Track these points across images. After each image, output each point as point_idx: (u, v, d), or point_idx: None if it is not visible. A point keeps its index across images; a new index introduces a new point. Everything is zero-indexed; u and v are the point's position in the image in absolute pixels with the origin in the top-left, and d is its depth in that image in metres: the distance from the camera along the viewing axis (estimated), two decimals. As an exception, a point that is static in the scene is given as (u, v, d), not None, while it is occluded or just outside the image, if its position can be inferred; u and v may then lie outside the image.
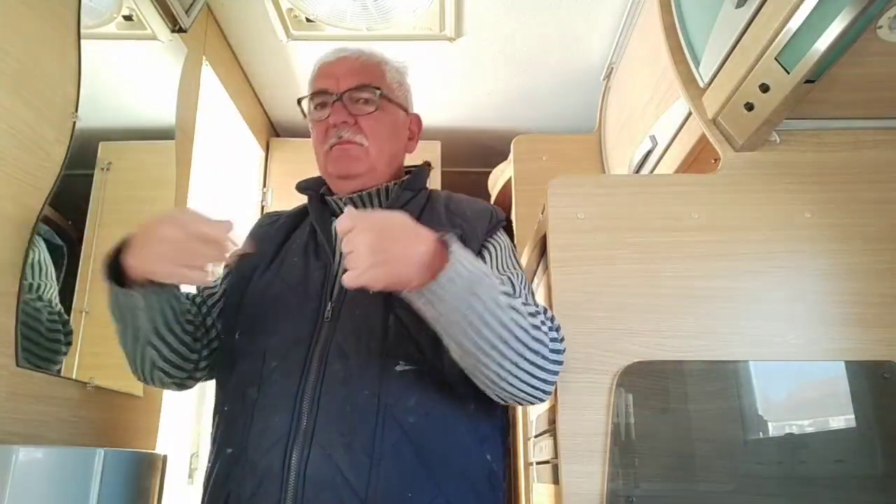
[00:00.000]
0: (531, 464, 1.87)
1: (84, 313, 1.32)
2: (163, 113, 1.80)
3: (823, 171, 1.18)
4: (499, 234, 1.02)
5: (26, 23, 1.11)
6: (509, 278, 0.92)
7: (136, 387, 1.45)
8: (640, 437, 1.04)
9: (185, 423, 2.77)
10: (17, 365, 1.04)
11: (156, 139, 1.77)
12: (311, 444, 0.80)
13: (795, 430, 1.08)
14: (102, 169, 1.61)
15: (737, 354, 1.08)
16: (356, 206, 1.03)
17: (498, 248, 0.99)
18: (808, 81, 1.01)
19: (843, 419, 1.07)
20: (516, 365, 0.78)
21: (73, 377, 1.23)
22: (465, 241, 0.84)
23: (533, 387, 0.82)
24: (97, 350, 1.29)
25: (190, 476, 2.70)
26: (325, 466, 0.79)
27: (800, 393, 1.11)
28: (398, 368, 0.86)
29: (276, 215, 1.14)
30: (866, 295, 1.10)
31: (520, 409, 2.20)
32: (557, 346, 0.85)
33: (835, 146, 1.19)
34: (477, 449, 0.88)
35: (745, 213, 1.15)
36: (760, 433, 1.07)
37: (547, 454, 1.30)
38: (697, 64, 1.27)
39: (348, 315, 0.89)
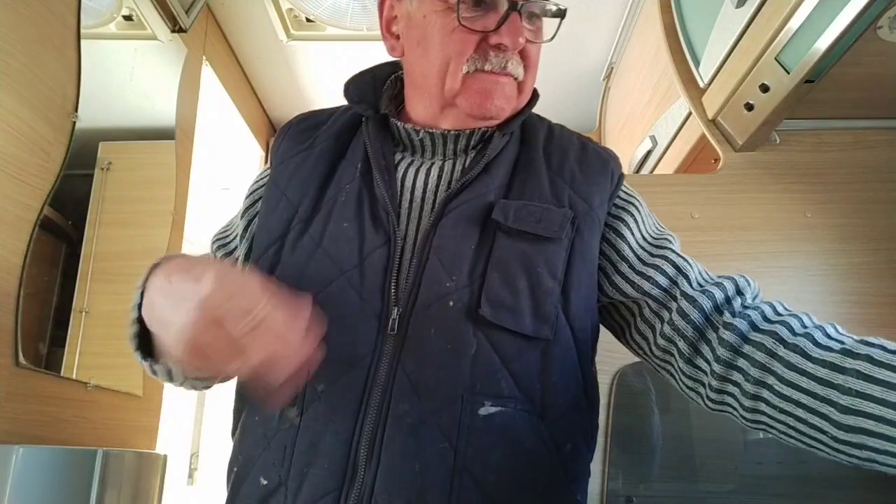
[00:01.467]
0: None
1: (84, 313, 1.32)
2: (163, 113, 1.80)
3: (823, 171, 1.18)
4: (624, 191, 0.77)
5: (26, 23, 1.11)
6: (686, 261, 0.72)
7: (136, 386, 1.45)
8: (640, 437, 1.04)
9: (185, 423, 2.77)
10: (17, 365, 1.04)
11: (156, 139, 1.77)
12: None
13: (795, 430, 1.08)
14: (102, 169, 1.61)
15: (737, 354, 1.08)
16: (436, 148, 0.73)
17: (639, 216, 0.76)
18: (808, 81, 1.01)
19: (843, 419, 1.07)
20: None
21: (73, 377, 1.23)
22: (578, 227, 0.67)
23: None
24: (97, 350, 1.29)
25: (190, 476, 2.70)
26: None
27: (800, 393, 1.11)
28: (482, 412, 0.62)
29: (311, 126, 0.80)
30: (866, 295, 1.10)
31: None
32: None
33: (835, 146, 1.19)
34: (567, 493, 0.68)
35: (745, 213, 1.15)
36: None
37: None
38: (697, 64, 1.27)
39: (420, 330, 0.63)
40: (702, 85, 1.25)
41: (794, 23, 0.96)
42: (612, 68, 2.19)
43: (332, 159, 0.75)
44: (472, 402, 0.62)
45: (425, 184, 0.70)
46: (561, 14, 0.72)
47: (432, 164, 0.72)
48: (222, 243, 0.82)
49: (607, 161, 0.75)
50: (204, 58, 1.94)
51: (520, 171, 0.72)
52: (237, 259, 0.79)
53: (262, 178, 0.80)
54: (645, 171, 1.73)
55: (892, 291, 1.10)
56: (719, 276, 0.70)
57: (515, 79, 0.71)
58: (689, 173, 1.49)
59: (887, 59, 1.01)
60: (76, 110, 1.24)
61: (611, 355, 1.08)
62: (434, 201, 0.69)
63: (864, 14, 0.87)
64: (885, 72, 1.05)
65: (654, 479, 1.04)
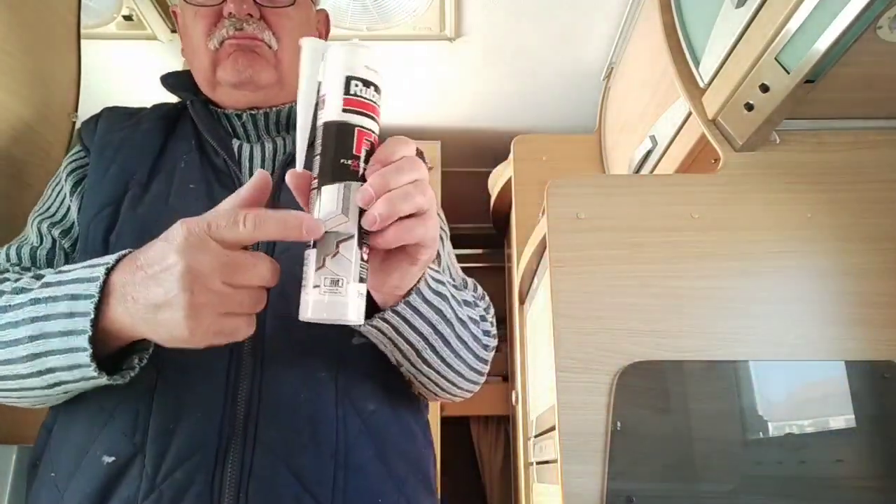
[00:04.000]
0: (531, 464, 1.88)
1: (84, 313, 1.31)
2: (163, 113, 1.80)
3: (823, 171, 1.18)
4: None
5: (26, 23, 1.11)
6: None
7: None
8: (640, 437, 1.04)
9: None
10: (17, 365, 1.04)
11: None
12: (253, 449, 0.57)
13: (795, 430, 1.07)
14: (102, 169, 1.61)
15: (737, 354, 1.08)
16: (256, 130, 0.78)
17: None
18: (808, 81, 1.01)
19: (843, 419, 1.07)
20: (464, 377, 0.68)
21: (73, 377, 1.23)
22: None
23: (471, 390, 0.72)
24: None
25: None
26: (277, 477, 0.57)
27: (800, 393, 1.11)
28: (356, 341, 0.63)
29: (128, 113, 0.81)
30: (866, 295, 1.10)
31: (519, 409, 2.20)
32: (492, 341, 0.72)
33: (835, 146, 1.19)
34: (423, 437, 0.72)
35: (745, 213, 1.15)
36: (760, 433, 1.07)
37: (547, 454, 1.30)
38: (697, 64, 1.27)
39: (290, 267, 0.58)
40: (702, 85, 1.25)
41: (794, 23, 0.96)
42: (612, 68, 2.19)
43: (163, 135, 0.77)
44: (346, 331, 0.61)
45: (262, 155, 0.75)
46: None
47: (261, 143, 0.77)
48: (53, 221, 0.74)
49: None
50: (204, 58, 1.93)
51: None
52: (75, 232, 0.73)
53: (75, 156, 0.78)
54: (645, 171, 1.73)
55: (893, 291, 1.10)
56: None
57: (268, 45, 0.76)
58: (689, 173, 1.49)
59: (887, 59, 1.01)
60: (76, 110, 1.24)
61: (610, 355, 1.08)
62: (273, 168, 0.74)
63: (864, 14, 0.87)
64: (885, 72, 1.05)
65: (654, 479, 1.04)
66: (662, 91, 1.64)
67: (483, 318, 0.71)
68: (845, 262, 1.12)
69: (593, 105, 2.38)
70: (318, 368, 0.63)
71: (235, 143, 0.77)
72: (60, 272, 0.56)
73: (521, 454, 2.14)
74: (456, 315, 0.63)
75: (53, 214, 0.75)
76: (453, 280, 0.72)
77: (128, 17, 1.75)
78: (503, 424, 3.07)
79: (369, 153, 0.48)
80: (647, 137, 1.70)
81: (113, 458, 0.56)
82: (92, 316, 0.50)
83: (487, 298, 0.77)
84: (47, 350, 0.52)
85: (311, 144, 0.49)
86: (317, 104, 0.49)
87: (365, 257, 0.47)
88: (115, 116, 0.81)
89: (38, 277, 0.58)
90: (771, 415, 1.08)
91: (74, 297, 0.51)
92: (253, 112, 0.77)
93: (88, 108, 1.31)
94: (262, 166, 0.73)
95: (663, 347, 1.08)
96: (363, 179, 0.47)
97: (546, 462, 1.46)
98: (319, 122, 0.48)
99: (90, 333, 0.50)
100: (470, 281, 0.79)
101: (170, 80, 0.84)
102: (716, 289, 1.12)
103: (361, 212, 0.46)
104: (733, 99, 1.13)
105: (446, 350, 0.63)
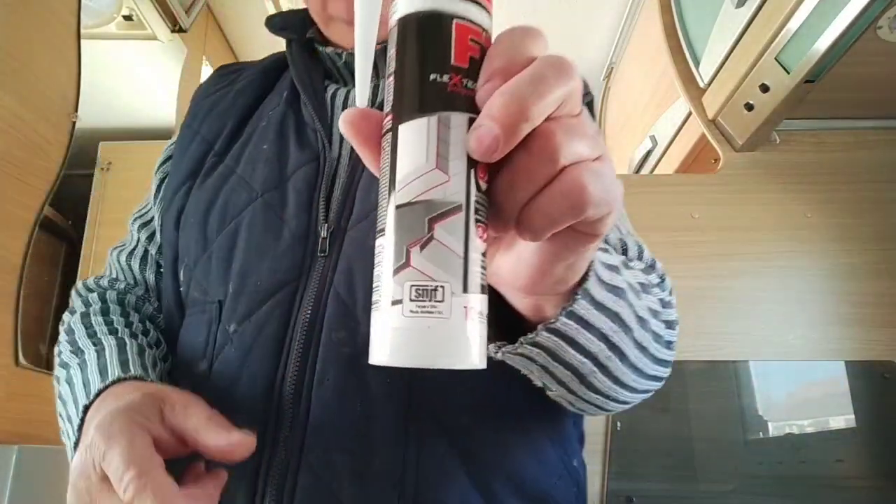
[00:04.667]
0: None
1: (84, 313, 1.31)
2: (163, 113, 1.81)
3: (823, 171, 1.18)
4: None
5: (26, 23, 1.11)
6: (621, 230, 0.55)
7: (136, 387, 1.45)
8: (640, 437, 1.04)
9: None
10: (17, 365, 1.04)
11: (156, 139, 1.77)
12: (297, 470, 0.46)
13: (795, 430, 1.07)
14: (102, 169, 1.61)
15: (737, 354, 1.08)
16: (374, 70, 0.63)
17: None
18: (808, 81, 1.01)
19: (843, 419, 1.07)
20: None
21: (73, 377, 1.23)
22: None
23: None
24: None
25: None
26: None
27: (800, 393, 1.11)
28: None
29: (236, 70, 0.70)
30: (866, 295, 1.10)
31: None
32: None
33: (835, 146, 1.19)
34: (559, 461, 0.53)
35: (745, 213, 1.15)
36: (760, 433, 1.07)
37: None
38: (697, 64, 1.27)
39: (357, 248, 0.51)
40: (702, 85, 1.25)
41: (794, 23, 0.96)
42: (612, 68, 2.19)
43: (257, 93, 0.66)
44: None
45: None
46: None
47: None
48: (143, 221, 0.68)
49: None
50: (204, 58, 1.94)
51: None
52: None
53: (169, 150, 0.70)
54: (645, 171, 1.73)
55: (892, 291, 1.10)
56: None
57: None
58: (689, 173, 1.49)
59: (887, 59, 1.01)
60: (76, 110, 1.24)
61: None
62: None
63: (864, 14, 0.87)
64: (885, 72, 1.05)
65: (654, 479, 1.04)
66: (662, 91, 1.64)
67: (665, 304, 0.48)
68: (845, 262, 1.12)
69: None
70: (385, 376, 0.47)
71: (331, 88, 0.63)
72: (62, 394, 0.52)
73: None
74: (635, 314, 0.42)
75: (145, 214, 0.68)
76: (624, 250, 0.51)
77: (128, 17, 1.75)
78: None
79: (478, 62, 0.27)
80: (647, 137, 1.70)
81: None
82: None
83: (658, 263, 0.52)
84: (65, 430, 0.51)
85: (377, 63, 0.30)
86: None
87: (482, 243, 0.26)
88: (218, 77, 0.70)
89: (77, 353, 0.54)
90: (771, 415, 1.08)
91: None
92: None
93: (88, 107, 1.31)
94: None
95: (663, 347, 1.08)
96: (472, 108, 0.26)
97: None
98: (392, 20, 0.28)
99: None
100: (632, 240, 0.53)
101: (275, 20, 0.69)
102: (716, 289, 1.12)
103: (473, 164, 0.26)
104: (733, 99, 1.13)
105: (622, 367, 0.43)
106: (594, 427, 1.04)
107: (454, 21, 0.27)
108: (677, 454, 1.04)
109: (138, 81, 1.91)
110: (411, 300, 0.25)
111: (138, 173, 1.72)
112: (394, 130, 0.27)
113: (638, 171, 1.78)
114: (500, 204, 0.26)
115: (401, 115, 0.26)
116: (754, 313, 1.10)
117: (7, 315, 1.04)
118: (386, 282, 0.25)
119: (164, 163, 0.68)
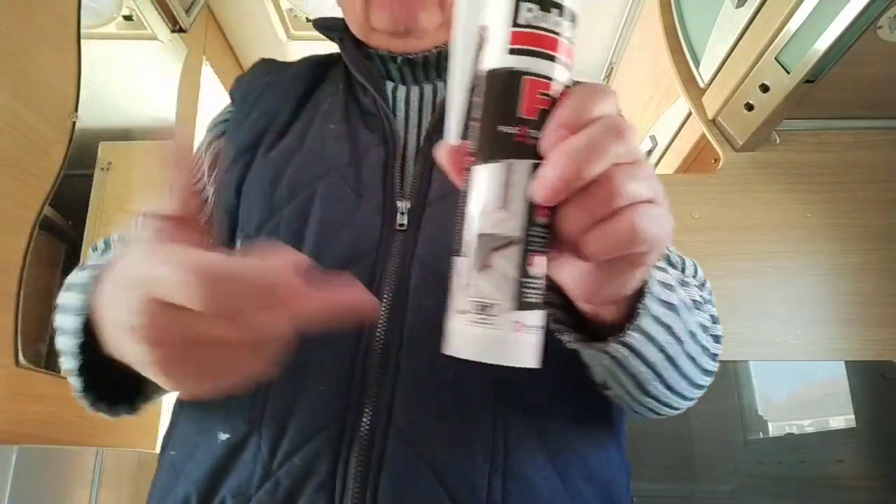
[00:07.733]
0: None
1: (84, 313, 1.31)
2: (163, 113, 1.80)
3: (823, 171, 1.18)
4: None
5: (26, 23, 1.11)
6: None
7: (136, 387, 1.45)
8: (640, 437, 1.04)
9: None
10: (17, 365, 1.04)
11: (156, 139, 1.77)
12: (386, 434, 0.46)
13: (795, 430, 1.08)
14: (102, 169, 1.61)
15: (737, 354, 1.08)
16: (413, 74, 0.66)
17: None
18: (808, 81, 1.01)
19: (843, 419, 1.07)
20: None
21: (73, 377, 1.23)
22: None
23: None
24: (97, 350, 1.29)
25: (190, 476, 2.70)
26: (414, 475, 0.46)
27: (800, 393, 1.11)
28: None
29: (279, 62, 0.73)
30: (866, 295, 1.10)
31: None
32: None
33: (835, 146, 1.19)
34: (617, 454, 0.55)
35: (745, 213, 1.15)
36: (760, 433, 1.07)
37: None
38: (697, 64, 1.27)
39: (438, 224, 0.52)
40: (702, 85, 1.25)
41: (794, 23, 0.96)
42: (612, 68, 2.19)
43: (311, 83, 0.66)
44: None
45: (421, 96, 0.63)
46: None
47: (419, 86, 0.66)
48: (218, 132, 0.67)
49: None
50: (204, 58, 1.94)
51: None
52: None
53: (224, 115, 0.70)
54: (645, 171, 1.73)
55: (892, 291, 1.10)
56: None
57: None
58: (689, 173, 1.49)
59: (887, 59, 1.01)
60: (76, 110, 1.24)
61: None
62: (432, 111, 0.61)
63: (864, 14, 0.87)
64: (885, 72, 1.05)
65: (654, 479, 1.03)
66: (662, 91, 1.64)
67: (714, 320, 0.53)
68: (845, 262, 1.12)
69: (593, 105, 2.37)
70: None
71: (389, 85, 0.65)
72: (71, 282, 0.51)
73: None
74: (686, 329, 0.46)
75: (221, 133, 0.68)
76: (677, 268, 0.55)
77: (128, 17, 1.75)
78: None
79: (546, 112, 0.31)
80: (648, 137, 1.70)
81: (228, 436, 0.48)
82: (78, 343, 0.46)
83: (705, 279, 0.58)
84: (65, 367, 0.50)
85: (471, 104, 0.34)
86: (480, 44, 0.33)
87: (538, 271, 0.31)
88: (265, 65, 0.72)
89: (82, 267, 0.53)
90: (771, 415, 1.08)
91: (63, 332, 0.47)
92: (411, 56, 0.64)
93: (88, 107, 1.31)
94: (420, 109, 0.62)
95: (663, 347, 1.08)
96: (535, 156, 0.30)
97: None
98: (481, 70, 0.33)
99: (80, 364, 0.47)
100: (689, 260, 0.59)
101: (322, 22, 0.71)
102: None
103: (532, 204, 0.30)
104: (733, 99, 1.13)
105: (675, 376, 0.46)
106: (594, 427, 1.04)
107: (524, 77, 0.31)
108: (677, 454, 1.04)
109: (138, 81, 1.91)
110: (473, 312, 0.31)
111: (138, 173, 1.72)
112: (472, 170, 0.32)
113: (638, 171, 1.78)
114: (561, 231, 0.31)
115: (478, 158, 0.32)
116: (754, 313, 1.10)
117: (7, 315, 1.04)
118: (457, 295, 0.32)
119: (220, 122, 0.67)
